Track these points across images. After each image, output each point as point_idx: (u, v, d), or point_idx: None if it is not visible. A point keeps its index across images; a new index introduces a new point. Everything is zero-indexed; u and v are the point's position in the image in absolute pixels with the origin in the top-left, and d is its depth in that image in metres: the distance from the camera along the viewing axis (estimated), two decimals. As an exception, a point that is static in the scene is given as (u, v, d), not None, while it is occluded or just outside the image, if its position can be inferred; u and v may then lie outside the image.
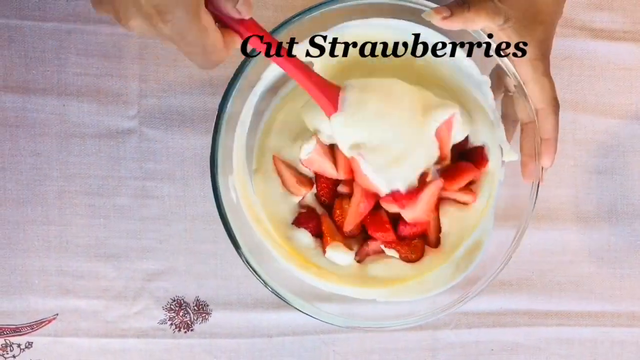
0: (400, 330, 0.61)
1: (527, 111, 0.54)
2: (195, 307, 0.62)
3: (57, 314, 0.61)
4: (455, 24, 0.51)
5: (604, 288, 0.64)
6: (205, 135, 0.61)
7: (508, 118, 0.56)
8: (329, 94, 0.51)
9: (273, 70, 0.55)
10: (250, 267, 0.53)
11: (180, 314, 0.62)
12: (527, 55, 0.53)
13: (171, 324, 0.62)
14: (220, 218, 0.52)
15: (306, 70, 0.50)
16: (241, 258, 0.53)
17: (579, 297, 0.64)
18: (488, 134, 0.56)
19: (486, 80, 0.55)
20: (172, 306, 0.62)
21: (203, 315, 0.62)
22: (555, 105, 0.54)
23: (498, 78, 0.55)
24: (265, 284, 0.54)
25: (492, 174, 0.57)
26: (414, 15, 0.53)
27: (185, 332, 0.62)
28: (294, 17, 0.52)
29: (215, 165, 0.52)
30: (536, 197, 0.55)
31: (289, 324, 0.62)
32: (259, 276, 0.53)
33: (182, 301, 0.62)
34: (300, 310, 0.54)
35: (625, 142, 0.65)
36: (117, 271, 0.62)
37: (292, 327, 0.62)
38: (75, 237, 0.61)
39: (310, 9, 0.53)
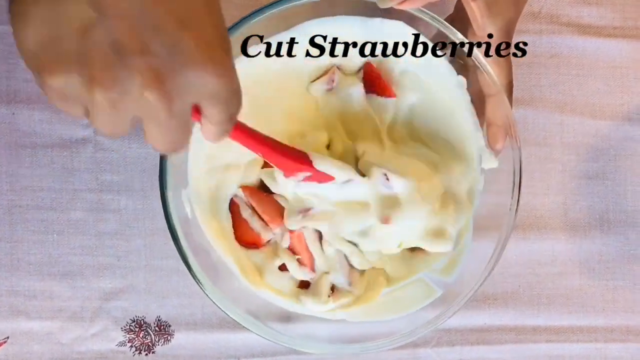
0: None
1: (491, 84, 0.52)
2: (157, 328, 0.60)
3: (8, 337, 0.59)
4: (416, 2, 0.49)
5: (595, 301, 0.62)
6: (165, 143, 0.59)
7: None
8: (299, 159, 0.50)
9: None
10: (199, 283, 0.51)
11: (141, 335, 0.60)
12: (492, 33, 0.51)
13: (131, 346, 0.60)
14: (171, 235, 0.50)
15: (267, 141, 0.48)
16: (193, 278, 0.51)
17: (569, 311, 0.62)
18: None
19: (462, 81, 0.53)
20: (131, 327, 0.60)
21: (165, 336, 0.60)
22: (511, 91, 0.53)
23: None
24: (218, 305, 0.52)
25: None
26: (389, 12, 0.51)
27: (147, 354, 0.60)
28: (252, 14, 0.50)
29: (165, 180, 0.49)
30: (517, 205, 0.53)
31: (257, 344, 0.60)
32: (209, 296, 0.51)
33: (142, 321, 0.60)
34: (259, 335, 0.52)
35: (617, 145, 0.63)
36: (72, 290, 0.59)
37: (261, 348, 0.60)
38: (26, 255, 0.59)
39: (269, 5, 0.50)
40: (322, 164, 0.51)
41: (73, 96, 0.36)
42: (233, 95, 0.38)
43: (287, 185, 0.52)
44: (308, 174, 0.50)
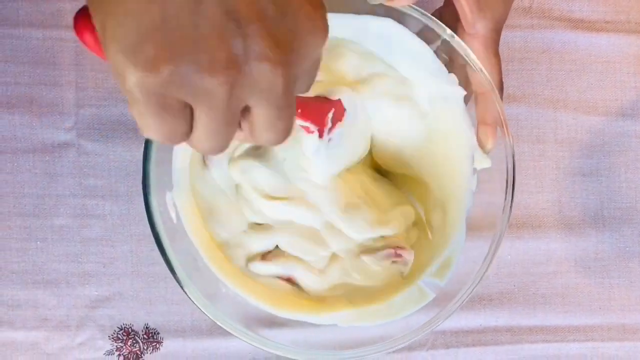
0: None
1: (482, 81, 0.52)
2: (145, 336, 0.59)
3: None
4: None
5: (592, 300, 0.62)
6: (151, 146, 0.59)
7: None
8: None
9: None
10: (185, 289, 0.50)
11: (129, 343, 0.59)
12: (482, 29, 0.51)
13: (119, 355, 0.59)
14: (155, 241, 0.49)
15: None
16: (179, 284, 0.50)
17: (565, 310, 0.62)
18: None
19: (454, 79, 0.52)
20: (119, 335, 0.59)
21: (154, 344, 0.60)
22: (501, 88, 0.53)
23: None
24: (203, 310, 0.51)
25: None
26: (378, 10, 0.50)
27: (135, 363, 0.60)
28: None
29: (148, 183, 0.48)
30: (511, 204, 0.52)
31: (248, 351, 0.59)
32: (196, 303, 0.50)
33: (130, 329, 0.59)
34: (246, 341, 0.51)
35: (611, 141, 0.63)
36: (57, 299, 0.59)
37: (252, 355, 0.60)
38: (9, 263, 0.59)
39: None
40: (333, 91, 0.50)
41: (176, 97, 0.31)
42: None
43: (319, 151, 0.49)
44: (332, 110, 0.49)
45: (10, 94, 0.58)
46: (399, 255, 0.54)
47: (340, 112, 0.51)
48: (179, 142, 0.33)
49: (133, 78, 0.30)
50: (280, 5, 0.31)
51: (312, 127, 0.49)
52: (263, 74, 0.31)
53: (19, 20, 0.58)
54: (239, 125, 0.34)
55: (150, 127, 0.32)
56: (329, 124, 0.50)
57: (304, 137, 0.49)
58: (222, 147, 0.33)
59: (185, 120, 0.32)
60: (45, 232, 0.59)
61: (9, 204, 0.59)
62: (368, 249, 0.54)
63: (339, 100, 0.50)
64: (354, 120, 0.52)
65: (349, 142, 0.52)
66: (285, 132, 0.34)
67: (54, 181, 0.59)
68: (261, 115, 0.33)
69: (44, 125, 0.59)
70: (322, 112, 0.49)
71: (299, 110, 0.46)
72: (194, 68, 0.30)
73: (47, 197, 0.59)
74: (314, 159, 0.51)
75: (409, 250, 0.54)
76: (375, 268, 0.53)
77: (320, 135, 0.49)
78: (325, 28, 0.33)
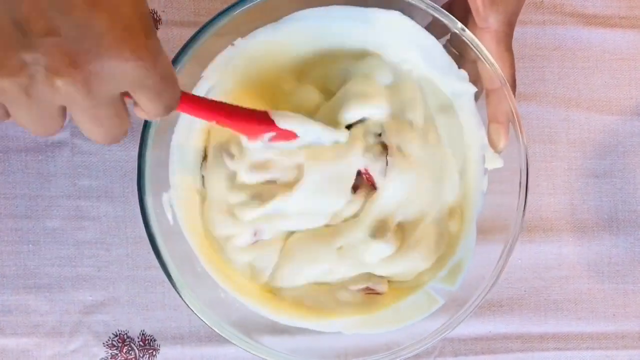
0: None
1: (494, 77, 0.51)
2: (141, 343, 0.59)
3: None
4: None
5: (606, 306, 0.62)
6: (148, 145, 0.59)
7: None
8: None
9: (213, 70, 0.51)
10: (182, 295, 0.50)
11: (124, 350, 0.59)
12: (494, 23, 0.50)
13: None
14: (151, 244, 0.48)
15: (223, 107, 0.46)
16: (176, 290, 0.50)
17: (578, 317, 0.61)
18: None
19: (465, 75, 0.52)
20: (114, 342, 0.59)
21: (150, 351, 0.59)
22: (514, 85, 0.52)
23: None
24: (201, 317, 0.50)
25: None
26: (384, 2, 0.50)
27: (130, 371, 0.60)
28: (239, 2, 0.48)
29: (143, 183, 0.47)
30: (525, 206, 0.52)
31: (249, 359, 0.56)
32: (193, 309, 0.50)
33: (125, 336, 0.59)
34: (245, 349, 0.50)
35: (625, 142, 0.62)
36: (50, 304, 0.58)
37: None
38: (0, 267, 0.58)
39: None
40: (284, 121, 0.49)
41: None
42: (163, 83, 0.36)
43: (254, 151, 0.50)
44: (272, 133, 0.49)
45: None
46: (373, 290, 0.54)
47: (288, 136, 0.49)
48: (3, 121, 0.36)
49: None
50: (77, 26, 0.33)
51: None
52: (61, 87, 0.33)
53: None
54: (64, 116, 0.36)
55: None
56: (265, 140, 0.49)
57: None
58: (49, 132, 0.36)
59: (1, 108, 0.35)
60: (38, 235, 0.58)
61: (0, 205, 0.58)
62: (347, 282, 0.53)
63: (287, 130, 0.49)
64: (313, 142, 0.50)
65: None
66: (108, 138, 0.37)
67: (47, 181, 0.58)
68: (79, 121, 0.36)
69: None
70: (253, 130, 0.48)
71: (214, 121, 0.46)
72: None
73: (39, 198, 0.58)
74: (249, 147, 0.50)
75: (383, 284, 0.54)
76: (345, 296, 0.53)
77: (250, 141, 0.49)
78: (136, 57, 0.34)
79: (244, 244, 0.52)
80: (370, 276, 0.53)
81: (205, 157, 0.53)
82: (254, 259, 0.53)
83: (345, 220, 0.52)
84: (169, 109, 0.37)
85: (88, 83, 0.33)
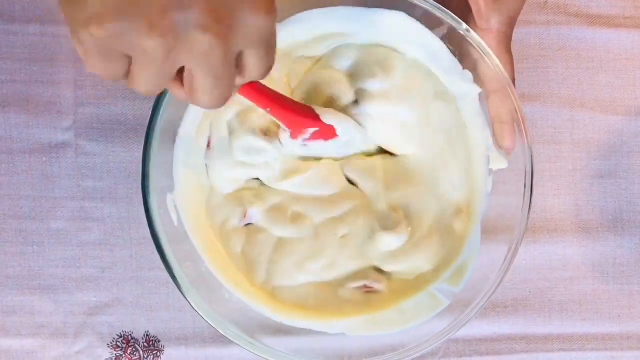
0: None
1: (496, 77, 0.52)
2: (145, 344, 0.59)
3: None
4: None
5: (610, 307, 0.61)
6: (151, 146, 0.60)
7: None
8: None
9: None
10: (186, 296, 0.50)
11: (128, 351, 0.59)
12: (495, 24, 0.51)
13: None
14: (155, 244, 0.49)
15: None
16: (180, 291, 0.50)
17: (583, 317, 0.61)
18: None
19: (469, 76, 0.52)
20: (118, 343, 0.59)
21: (154, 352, 0.59)
22: (513, 86, 0.53)
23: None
24: (204, 317, 0.50)
25: None
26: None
27: (135, 371, 0.60)
28: None
29: (147, 184, 0.48)
30: (529, 206, 0.52)
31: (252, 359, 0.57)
32: (197, 310, 0.50)
33: (129, 337, 0.59)
34: (249, 350, 0.51)
35: (630, 142, 0.62)
36: (54, 305, 0.58)
37: None
38: (4, 268, 0.58)
39: None
40: (329, 116, 0.51)
41: (118, 49, 0.35)
42: (274, 42, 0.38)
43: (293, 148, 0.51)
44: (315, 128, 0.50)
45: (5, 92, 0.58)
46: (371, 288, 0.54)
47: (328, 134, 0.51)
48: (117, 80, 0.37)
49: (80, 28, 0.35)
50: None
51: (284, 128, 0.50)
52: (200, 43, 0.35)
53: (15, 15, 0.58)
54: (181, 83, 0.38)
55: (95, 66, 0.36)
56: (307, 136, 0.50)
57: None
58: (153, 92, 0.38)
59: (124, 65, 0.36)
60: (42, 236, 0.58)
61: (5, 206, 0.58)
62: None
63: (331, 125, 0.51)
64: (345, 145, 0.52)
65: (331, 150, 0.53)
66: (220, 100, 0.38)
67: (51, 183, 0.59)
68: (199, 80, 0.37)
69: (40, 124, 0.59)
70: (300, 123, 0.50)
71: (268, 109, 0.48)
72: (134, 30, 0.34)
73: (43, 199, 0.59)
74: (285, 144, 0.51)
75: (381, 282, 0.54)
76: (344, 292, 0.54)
77: (293, 137, 0.50)
78: (267, 9, 0.36)
79: (237, 225, 0.53)
80: (369, 273, 0.54)
81: (208, 145, 0.54)
82: (246, 246, 0.53)
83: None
84: (268, 71, 0.39)
85: (227, 37, 0.35)
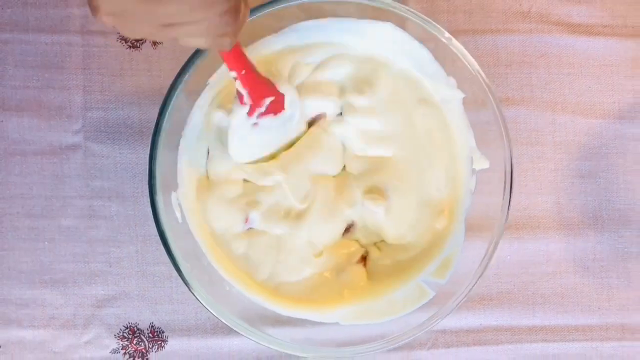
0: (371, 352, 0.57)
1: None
2: (150, 334, 0.59)
3: (0, 346, 0.58)
4: None
5: (591, 300, 0.62)
6: (156, 148, 0.59)
7: None
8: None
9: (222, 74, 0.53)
10: (190, 288, 0.51)
11: (134, 342, 0.59)
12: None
13: (124, 353, 0.59)
14: (161, 240, 0.49)
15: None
16: (184, 283, 0.51)
17: (565, 310, 0.62)
18: None
19: (453, 82, 0.53)
20: (125, 334, 0.59)
21: (159, 342, 0.59)
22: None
23: None
24: (208, 309, 0.51)
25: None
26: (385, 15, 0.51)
27: (140, 361, 0.60)
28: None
29: (154, 183, 0.49)
30: (509, 206, 0.53)
31: (252, 349, 0.59)
32: (201, 301, 0.51)
33: (135, 328, 0.59)
34: (250, 338, 0.51)
35: (609, 143, 0.62)
36: (64, 298, 0.59)
37: (256, 353, 0.59)
38: (18, 263, 0.59)
39: (263, 6, 0.50)
40: (284, 86, 0.52)
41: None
42: None
43: (240, 126, 0.51)
44: (272, 98, 0.51)
45: (19, 98, 0.59)
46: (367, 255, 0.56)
47: (279, 105, 0.51)
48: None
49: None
50: None
51: (247, 100, 0.49)
52: None
53: (28, 26, 0.59)
54: None
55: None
56: (263, 109, 0.50)
57: (235, 105, 0.50)
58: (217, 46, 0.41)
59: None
60: (53, 233, 0.59)
61: (18, 205, 0.59)
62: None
63: (282, 95, 0.51)
64: (288, 121, 0.52)
65: (271, 137, 0.53)
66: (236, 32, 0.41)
67: (62, 183, 0.59)
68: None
69: (52, 128, 0.59)
70: (263, 91, 0.50)
71: (243, 72, 0.48)
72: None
73: (54, 198, 0.59)
74: (233, 131, 0.51)
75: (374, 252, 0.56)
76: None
77: (250, 113, 0.50)
78: None
79: (239, 231, 0.54)
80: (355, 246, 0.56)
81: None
82: (248, 249, 0.54)
83: None
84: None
85: None
